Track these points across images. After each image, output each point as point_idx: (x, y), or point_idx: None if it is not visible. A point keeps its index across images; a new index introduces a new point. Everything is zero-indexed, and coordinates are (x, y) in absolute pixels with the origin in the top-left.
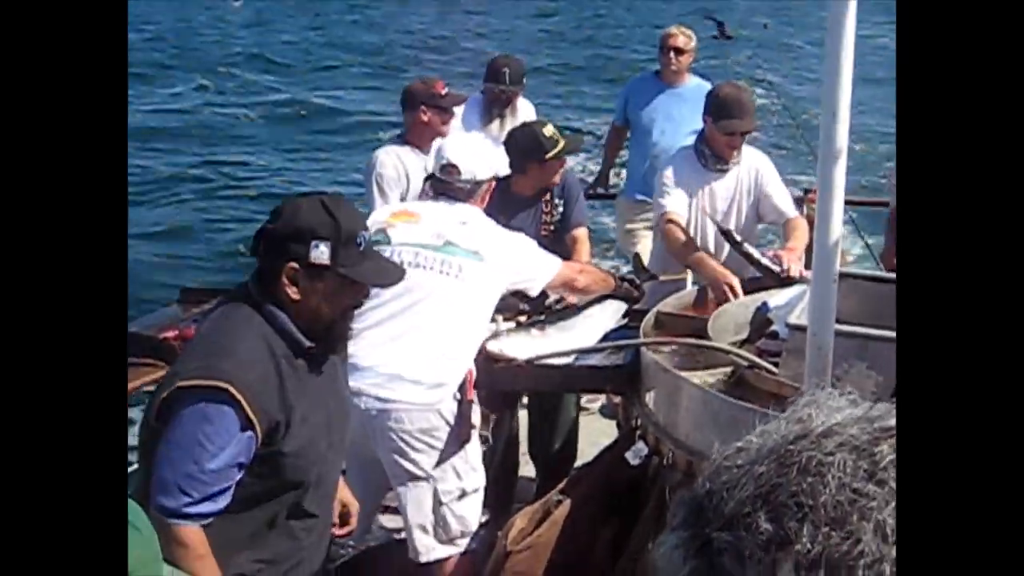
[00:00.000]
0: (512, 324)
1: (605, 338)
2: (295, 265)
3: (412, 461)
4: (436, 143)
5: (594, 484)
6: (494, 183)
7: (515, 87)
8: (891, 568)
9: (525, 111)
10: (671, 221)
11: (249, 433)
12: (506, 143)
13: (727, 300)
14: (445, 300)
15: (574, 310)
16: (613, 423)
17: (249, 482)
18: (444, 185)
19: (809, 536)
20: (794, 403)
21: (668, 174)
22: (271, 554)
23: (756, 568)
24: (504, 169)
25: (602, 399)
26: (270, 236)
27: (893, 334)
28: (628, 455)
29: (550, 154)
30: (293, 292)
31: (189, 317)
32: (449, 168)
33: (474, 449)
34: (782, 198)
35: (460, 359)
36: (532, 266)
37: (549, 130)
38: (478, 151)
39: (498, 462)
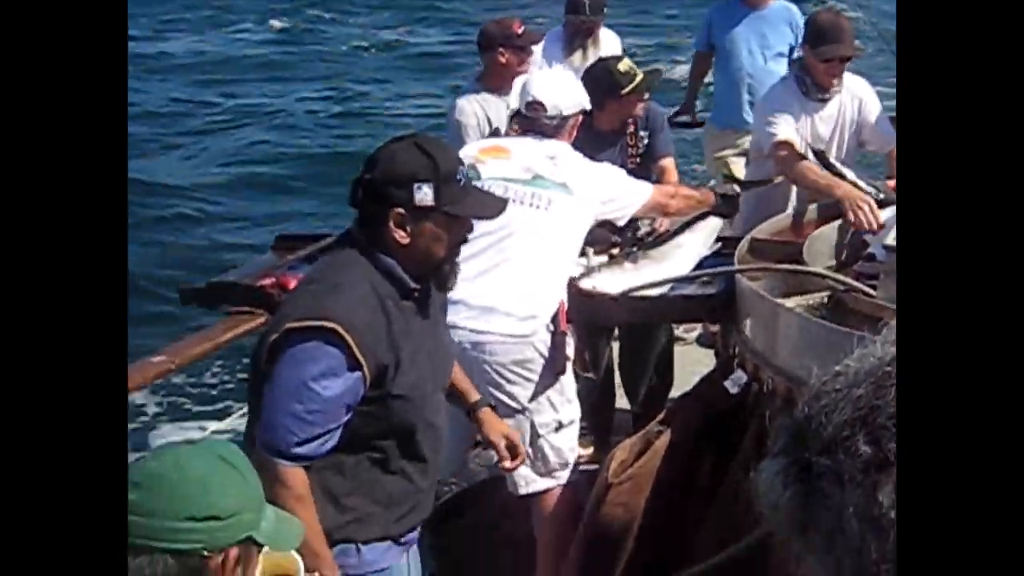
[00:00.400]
0: (604, 258)
1: (699, 266)
2: (401, 210)
3: (508, 394)
4: (519, 81)
5: (693, 414)
6: (580, 117)
7: (595, 16)
8: None
9: (608, 41)
10: (786, 145)
11: (357, 374)
12: (584, 80)
13: (867, 221)
14: (535, 233)
15: (666, 238)
16: (711, 352)
17: (359, 424)
18: (530, 122)
19: None
20: (889, 324)
21: (770, 104)
22: (386, 496)
23: (856, 491)
24: (589, 103)
25: (699, 329)
26: (371, 184)
27: None
28: (727, 383)
29: (626, 90)
30: (401, 236)
31: (284, 264)
32: (535, 105)
33: (569, 381)
34: (885, 126)
35: (552, 291)
36: (622, 195)
37: (624, 65)
38: (563, 86)
39: (595, 395)
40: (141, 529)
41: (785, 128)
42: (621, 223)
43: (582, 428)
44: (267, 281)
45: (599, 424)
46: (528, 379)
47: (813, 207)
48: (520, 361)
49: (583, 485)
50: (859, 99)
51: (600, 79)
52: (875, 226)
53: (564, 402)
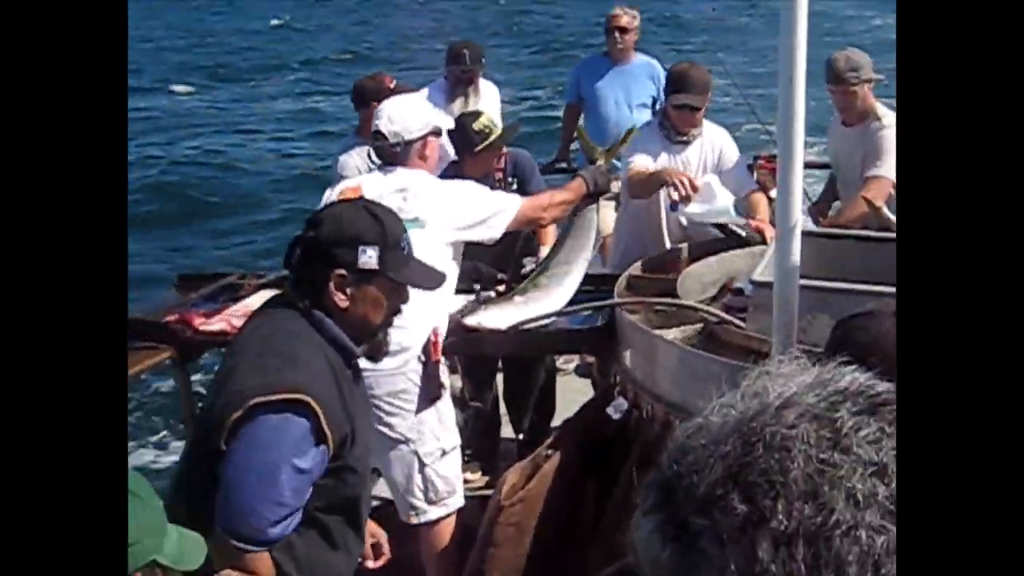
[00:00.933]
0: (491, 294)
1: (580, 301)
2: (343, 272)
3: (388, 425)
4: None
5: (578, 439)
6: (432, 139)
7: (475, 67)
8: (866, 533)
9: (487, 91)
10: (636, 171)
11: (323, 447)
12: (449, 132)
13: (688, 191)
14: None
15: (541, 270)
16: (588, 381)
17: (312, 499)
18: (379, 151)
19: (784, 512)
20: (745, 376)
21: (634, 146)
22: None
23: (735, 548)
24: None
25: (576, 360)
26: (313, 243)
27: (853, 286)
28: (609, 410)
29: (479, 148)
30: (341, 299)
31: (188, 302)
32: (377, 134)
33: (447, 409)
34: (742, 172)
35: (419, 324)
36: (485, 214)
37: (480, 123)
38: (402, 112)
39: (482, 424)
40: None
41: (639, 159)
42: (495, 235)
43: (469, 455)
44: (171, 317)
45: (486, 451)
46: (406, 409)
47: (684, 246)
48: (395, 392)
49: (472, 509)
50: (719, 147)
51: (457, 135)
52: (689, 193)
53: (444, 430)
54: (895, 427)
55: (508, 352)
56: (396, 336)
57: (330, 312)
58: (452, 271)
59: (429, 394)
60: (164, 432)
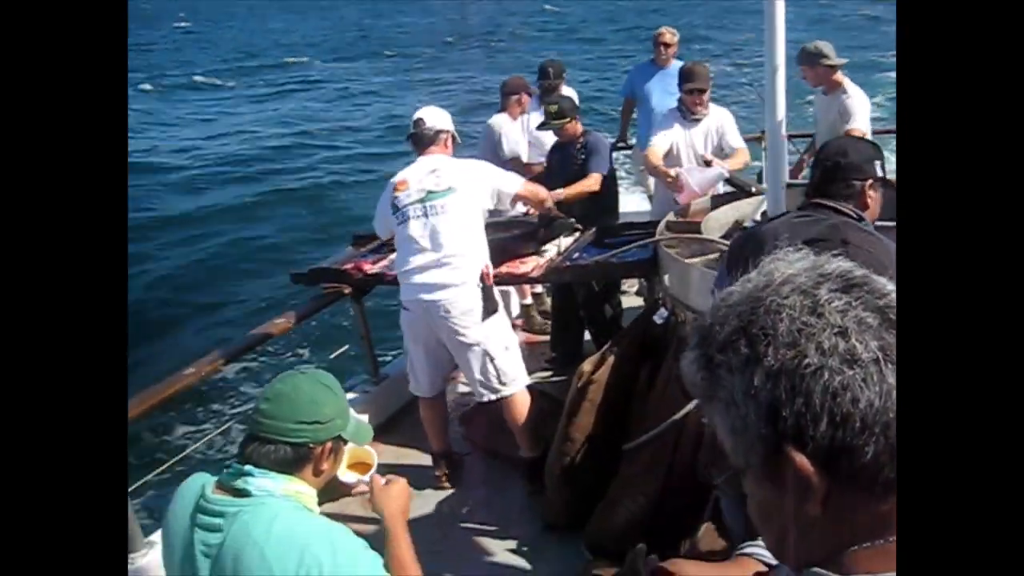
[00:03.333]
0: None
1: (632, 241)
2: (871, 181)
3: (462, 334)
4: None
5: (634, 339)
6: (450, 136)
7: (557, 80)
8: (828, 373)
9: (568, 95)
10: (649, 151)
11: None
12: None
13: (674, 187)
14: (440, 232)
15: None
16: (641, 298)
17: None
18: (417, 135)
19: (772, 355)
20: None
21: (657, 126)
22: None
23: (740, 377)
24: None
25: (636, 283)
26: (847, 167)
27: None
28: (655, 317)
29: (547, 125)
30: (872, 200)
31: (359, 253)
32: (419, 122)
33: (504, 319)
34: (735, 138)
35: (468, 260)
36: (496, 177)
37: (551, 110)
38: (435, 112)
39: (569, 332)
40: (269, 428)
41: (657, 140)
42: (504, 204)
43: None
44: (348, 266)
45: (571, 349)
46: (474, 322)
47: (708, 197)
48: (465, 310)
49: (561, 388)
50: (721, 123)
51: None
52: (680, 186)
53: (504, 331)
54: (860, 300)
55: (584, 277)
56: (460, 275)
57: (860, 214)
58: (481, 224)
59: (488, 308)
60: (347, 346)
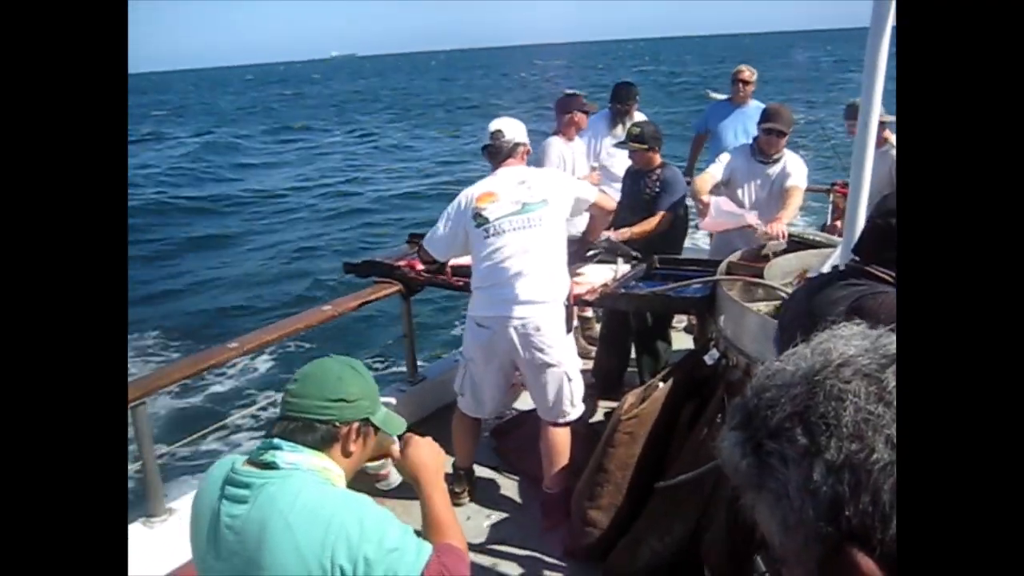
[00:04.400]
0: (628, 267)
1: (692, 277)
2: None
3: (547, 354)
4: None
5: (681, 376)
6: (526, 148)
7: (632, 102)
8: None
9: (639, 119)
10: (701, 176)
11: None
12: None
13: (706, 210)
14: (538, 244)
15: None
16: (690, 336)
17: None
18: (494, 147)
19: (835, 448)
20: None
21: (724, 156)
22: None
23: (796, 469)
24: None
25: (685, 320)
26: (884, 229)
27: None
28: (706, 358)
29: (624, 144)
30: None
31: (413, 252)
32: (497, 133)
33: (573, 339)
34: (792, 182)
35: (560, 277)
36: (575, 185)
37: (633, 131)
38: (513, 124)
39: (614, 361)
40: (297, 407)
41: (714, 168)
42: (580, 212)
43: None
44: (401, 262)
45: (614, 380)
46: (558, 340)
47: (773, 244)
48: (551, 328)
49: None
50: (789, 170)
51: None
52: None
53: (576, 355)
54: None
55: (639, 307)
56: (556, 292)
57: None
58: (565, 237)
59: (568, 327)
60: (390, 341)
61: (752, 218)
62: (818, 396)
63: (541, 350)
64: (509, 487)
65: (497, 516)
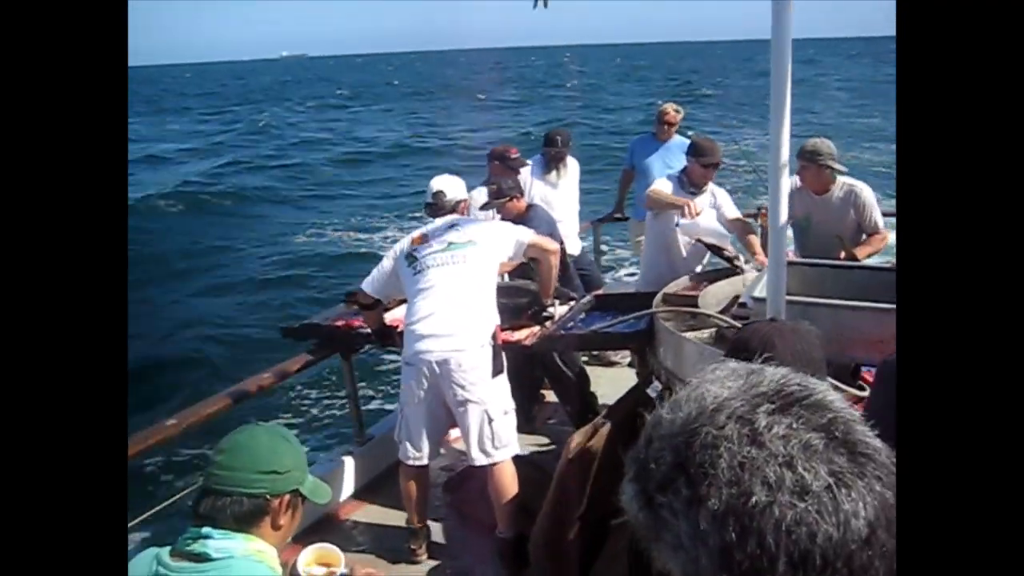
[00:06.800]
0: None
1: (629, 312)
2: None
3: (468, 391)
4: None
5: (626, 411)
6: (465, 202)
7: (565, 148)
8: (779, 509)
9: (572, 165)
10: (655, 188)
11: None
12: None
13: (692, 213)
14: (462, 282)
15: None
16: (633, 371)
17: None
18: (436, 206)
19: (716, 496)
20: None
21: (664, 182)
22: None
23: (685, 520)
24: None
25: (628, 355)
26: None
27: (827, 301)
28: (649, 390)
29: (489, 205)
30: None
31: (352, 311)
32: (439, 194)
33: (505, 381)
34: (731, 210)
35: (485, 315)
36: (512, 234)
37: (492, 189)
38: (454, 184)
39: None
40: (225, 480)
41: (659, 183)
42: (520, 255)
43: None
44: (340, 323)
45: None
46: (481, 378)
47: (706, 272)
48: (474, 366)
49: (549, 458)
50: (717, 197)
51: None
52: (692, 214)
53: (505, 394)
54: (802, 420)
55: (578, 347)
56: (476, 329)
57: None
58: (494, 283)
59: (495, 367)
60: (328, 401)
61: (730, 248)
62: (695, 445)
63: (462, 387)
64: (466, 540)
65: (456, 570)
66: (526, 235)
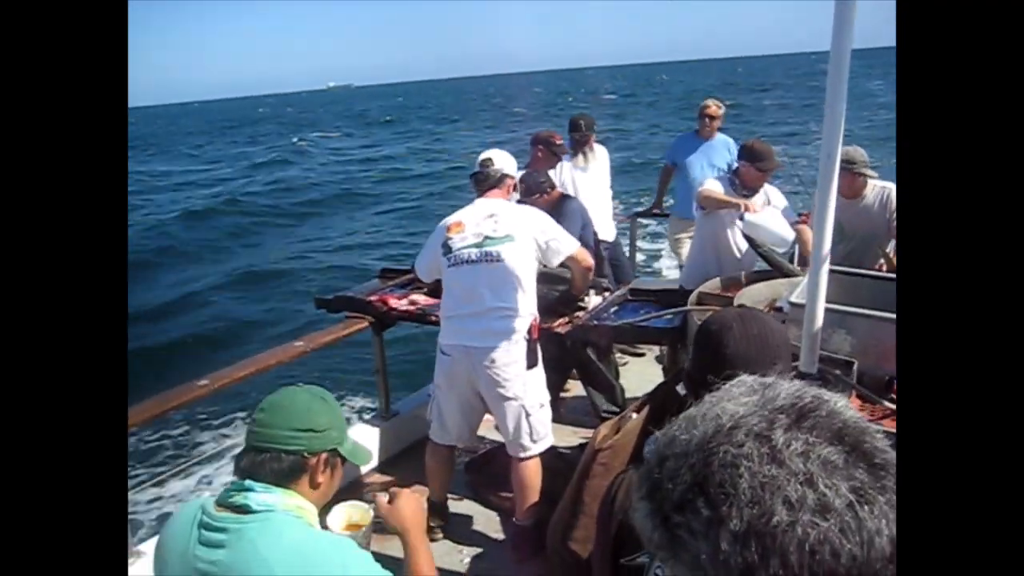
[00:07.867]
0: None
1: (665, 309)
2: None
3: (504, 387)
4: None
5: (654, 406)
6: (514, 182)
7: (589, 132)
8: (802, 529)
9: (600, 150)
10: (708, 187)
11: None
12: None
13: (752, 210)
14: (495, 279)
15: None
16: (660, 367)
17: None
18: (482, 175)
19: (737, 516)
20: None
21: (709, 183)
22: None
23: (704, 541)
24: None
25: (656, 350)
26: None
27: (862, 310)
28: (678, 387)
29: (521, 203)
30: None
31: (386, 287)
32: (486, 161)
33: (542, 374)
34: (788, 214)
35: (521, 311)
36: (553, 232)
37: (520, 188)
38: (504, 156)
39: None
40: (264, 437)
41: (711, 183)
42: (559, 258)
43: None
44: (373, 298)
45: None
46: (517, 374)
47: (743, 273)
48: (509, 362)
49: (576, 451)
50: (769, 197)
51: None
52: (754, 209)
53: (541, 388)
54: (817, 434)
55: (612, 338)
56: (512, 322)
57: None
58: (534, 275)
59: (531, 362)
60: (364, 377)
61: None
62: (713, 465)
63: (498, 383)
64: (483, 522)
65: (470, 551)
66: (568, 246)
